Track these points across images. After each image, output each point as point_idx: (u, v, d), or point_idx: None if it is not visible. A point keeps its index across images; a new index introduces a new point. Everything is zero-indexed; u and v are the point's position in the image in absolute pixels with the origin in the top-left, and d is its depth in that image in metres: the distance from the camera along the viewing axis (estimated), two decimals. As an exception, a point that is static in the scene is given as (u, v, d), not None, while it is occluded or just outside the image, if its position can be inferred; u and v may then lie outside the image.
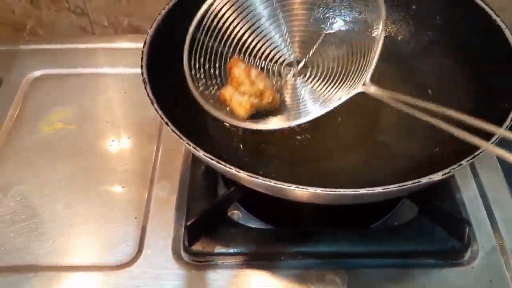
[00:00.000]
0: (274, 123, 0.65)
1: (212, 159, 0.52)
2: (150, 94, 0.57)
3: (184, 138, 0.53)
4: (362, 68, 0.62)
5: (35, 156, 0.76)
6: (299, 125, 0.68)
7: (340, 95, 0.62)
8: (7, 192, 0.71)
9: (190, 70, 0.65)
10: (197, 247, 0.63)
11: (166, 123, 0.54)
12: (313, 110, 0.64)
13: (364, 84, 0.58)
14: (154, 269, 0.63)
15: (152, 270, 0.63)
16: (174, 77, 0.69)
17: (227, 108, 0.65)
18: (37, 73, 0.89)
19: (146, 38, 0.64)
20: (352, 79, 0.63)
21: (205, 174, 0.71)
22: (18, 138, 0.78)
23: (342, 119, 0.71)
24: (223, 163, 0.52)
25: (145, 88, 0.58)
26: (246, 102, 0.64)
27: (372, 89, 0.57)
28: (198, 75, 0.66)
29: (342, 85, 0.65)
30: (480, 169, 0.73)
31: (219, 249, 0.63)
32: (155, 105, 0.56)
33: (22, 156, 0.76)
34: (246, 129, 0.65)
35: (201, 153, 0.52)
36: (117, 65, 0.89)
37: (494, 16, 0.63)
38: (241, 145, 0.70)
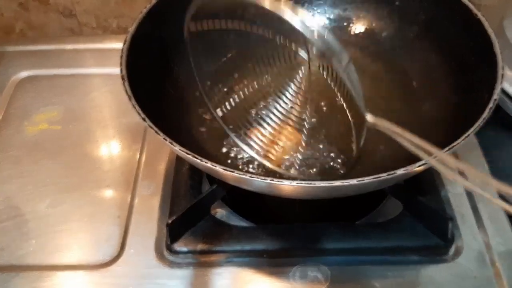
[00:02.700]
0: None
1: (188, 154, 0.52)
2: (128, 90, 0.57)
3: (161, 133, 0.53)
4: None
5: (19, 156, 0.76)
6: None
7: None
8: (-9, 192, 0.71)
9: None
10: (179, 245, 0.63)
11: (143, 119, 0.54)
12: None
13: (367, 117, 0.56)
14: (137, 268, 0.63)
15: (135, 269, 0.63)
16: (158, 77, 0.69)
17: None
18: (24, 74, 0.89)
19: (126, 37, 0.64)
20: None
21: (189, 173, 0.71)
22: (3, 138, 0.79)
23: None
24: (199, 157, 0.51)
25: (123, 84, 0.58)
26: None
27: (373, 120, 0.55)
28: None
29: None
30: (466, 166, 0.72)
31: (202, 247, 0.63)
32: (133, 100, 0.56)
33: (6, 156, 0.76)
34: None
35: (177, 148, 0.52)
36: (104, 66, 0.89)
37: (475, 10, 0.64)
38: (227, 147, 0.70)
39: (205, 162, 0.51)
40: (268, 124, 0.67)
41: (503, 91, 0.74)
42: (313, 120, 0.67)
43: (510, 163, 0.78)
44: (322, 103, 0.67)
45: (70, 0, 0.95)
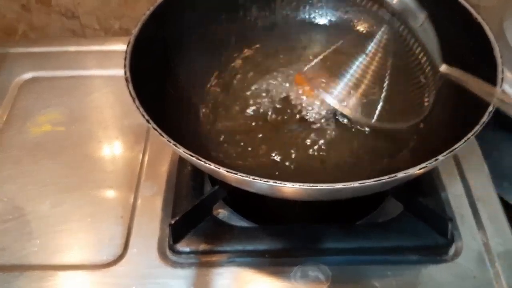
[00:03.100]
0: None
1: (192, 156, 0.52)
2: (132, 92, 0.57)
3: (165, 136, 0.54)
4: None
5: (23, 157, 0.76)
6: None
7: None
8: (-6, 193, 0.72)
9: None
10: (182, 245, 0.64)
11: (147, 121, 0.55)
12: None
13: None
14: (140, 268, 0.63)
15: (138, 269, 0.63)
16: (160, 78, 0.70)
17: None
18: (27, 75, 0.89)
19: (130, 38, 0.64)
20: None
21: (191, 174, 0.71)
22: (7, 139, 0.79)
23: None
24: (203, 159, 0.52)
25: (127, 86, 0.58)
26: None
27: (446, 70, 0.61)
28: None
29: None
30: (466, 168, 0.73)
31: (204, 247, 0.64)
32: (137, 102, 0.56)
33: (10, 157, 0.76)
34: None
35: (181, 150, 0.53)
36: (107, 67, 0.90)
37: (475, 14, 0.64)
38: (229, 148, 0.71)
39: (209, 164, 0.51)
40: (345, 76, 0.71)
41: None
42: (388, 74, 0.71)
43: (510, 163, 0.79)
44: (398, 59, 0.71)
45: (72, 2, 0.96)
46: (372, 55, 0.69)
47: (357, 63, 0.70)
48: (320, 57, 0.73)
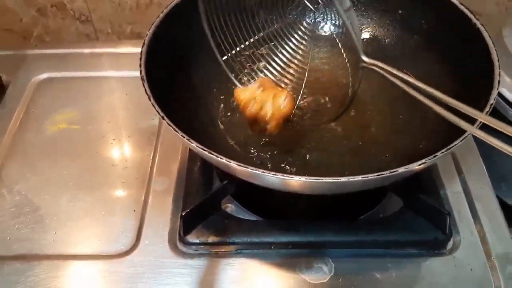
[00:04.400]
0: None
1: (205, 150, 0.55)
2: (148, 90, 0.60)
3: (179, 131, 0.57)
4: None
5: (40, 154, 0.79)
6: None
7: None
8: (13, 187, 0.75)
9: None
10: (192, 237, 0.67)
11: (162, 117, 0.58)
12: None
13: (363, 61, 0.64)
14: (152, 258, 0.66)
15: (149, 259, 0.66)
16: (172, 77, 0.73)
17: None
18: (43, 76, 0.93)
19: (145, 40, 0.67)
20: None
21: (201, 170, 0.74)
22: (24, 137, 0.82)
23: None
24: (215, 154, 0.55)
25: (143, 85, 0.61)
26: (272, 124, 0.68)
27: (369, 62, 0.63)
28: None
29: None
30: (464, 167, 0.76)
31: (213, 239, 0.66)
32: (152, 100, 0.59)
33: (28, 154, 0.80)
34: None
35: (194, 145, 0.56)
36: (119, 69, 0.93)
37: (474, 20, 0.67)
38: (236, 146, 0.74)
39: (221, 158, 0.54)
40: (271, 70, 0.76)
41: (500, 95, 0.77)
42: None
43: (507, 165, 0.81)
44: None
45: (86, 7, 0.99)
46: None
47: None
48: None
